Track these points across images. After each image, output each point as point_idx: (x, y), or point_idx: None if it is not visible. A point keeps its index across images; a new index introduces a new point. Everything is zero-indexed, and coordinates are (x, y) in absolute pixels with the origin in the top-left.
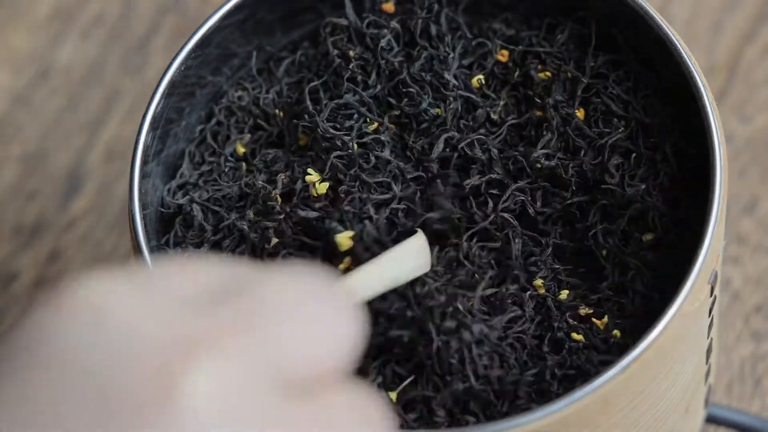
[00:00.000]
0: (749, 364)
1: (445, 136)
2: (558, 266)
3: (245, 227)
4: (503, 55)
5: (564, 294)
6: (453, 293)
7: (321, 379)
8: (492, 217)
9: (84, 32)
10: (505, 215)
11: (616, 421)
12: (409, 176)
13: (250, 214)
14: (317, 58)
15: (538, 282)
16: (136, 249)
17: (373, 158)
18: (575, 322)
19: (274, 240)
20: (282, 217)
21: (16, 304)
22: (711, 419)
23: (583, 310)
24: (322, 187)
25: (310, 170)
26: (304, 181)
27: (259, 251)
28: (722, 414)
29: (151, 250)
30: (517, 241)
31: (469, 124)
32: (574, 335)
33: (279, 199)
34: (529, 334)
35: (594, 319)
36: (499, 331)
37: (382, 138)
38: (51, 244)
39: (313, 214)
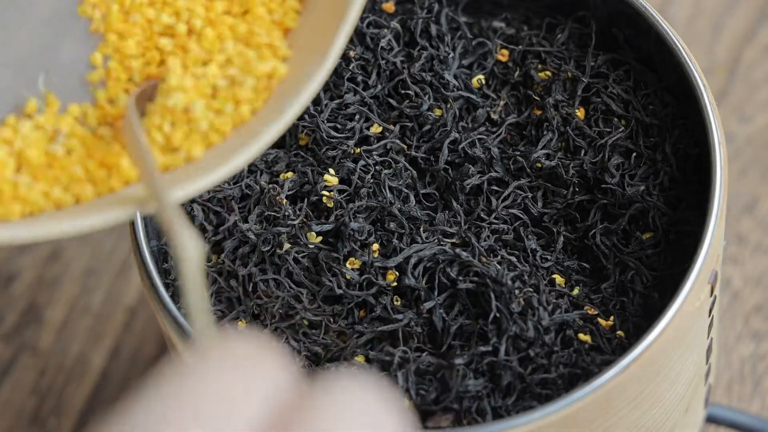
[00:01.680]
0: (749, 364)
1: (448, 141)
2: (569, 263)
3: (252, 234)
4: (503, 55)
5: (576, 291)
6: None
7: None
8: (496, 212)
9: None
10: (514, 211)
11: (617, 420)
12: (422, 191)
13: (255, 216)
14: None
15: (559, 278)
16: (136, 249)
17: (391, 163)
18: (583, 322)
19: (287, 245)
20: (296, 222)
21: (16, 304)
22: (711, 419)
23: (590, 310)
24: (332, 180)
25: (330, 171)
26: (312, 183)
27: (267, 255)
28: (722, 414)
29: (151, 250)
30: (530, 237)
31: (468, 126)
32: (581, 336)
33: (286, 202)
34: (552, 329)
35: (600, 320)
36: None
37: (390, 144)
38: (51, 244)
39: (327, 227)
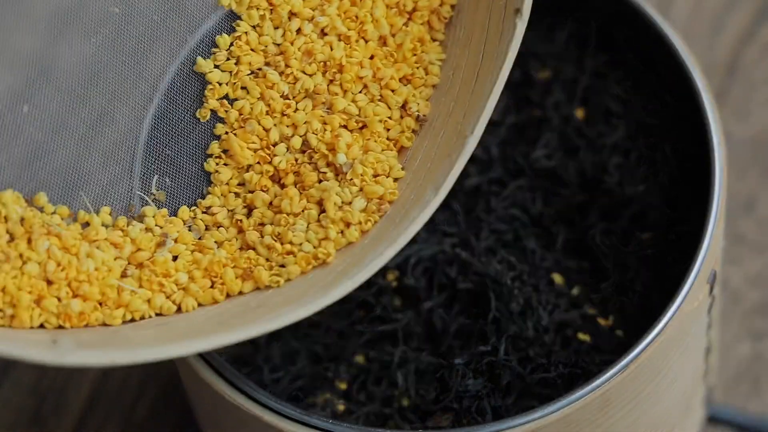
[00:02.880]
0: (748, 364)
1: None
2: (569, 263)
3: None
4: None
5: (575, 290)
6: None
7: None
8: (496, 212)
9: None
10: (513, 210)
11: (617, 420)
12: None
13: None
14: None
15: (558, 277)
16: None
17: None
18: (582, 322)
19: None
20: None
21: None
22: (711, 419)
23: (590, 310)
24: None
25: None
26: None
27: None
28: (722, 414)
29: None
30: (529, 237)
31: None
32: (581, 335)
33: None
34: (551, 329)
35: (600, 319)
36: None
37: None
38: None
39: None
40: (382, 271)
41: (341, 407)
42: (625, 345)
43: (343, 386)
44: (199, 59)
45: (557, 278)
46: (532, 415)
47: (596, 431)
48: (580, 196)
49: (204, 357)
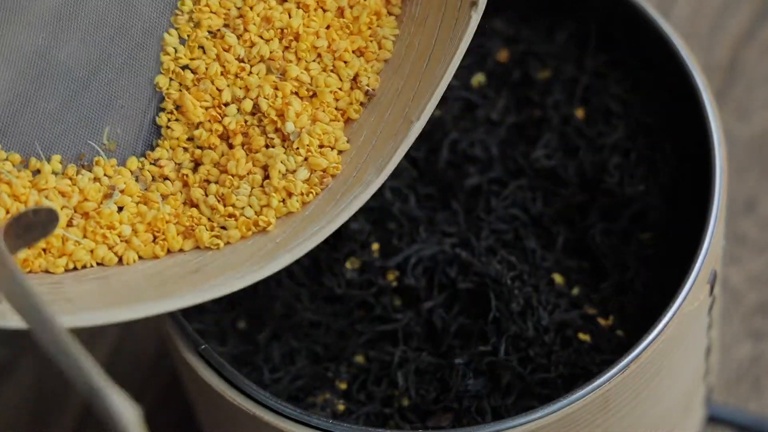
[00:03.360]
0: (748, 364)
1: (447, 141)
2: (569, 263)
3: None
4: (503, 55)
5: (575, 290)
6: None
7: None
8: (496, 212)
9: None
10: (513, 210)
11: (617, 420)
12: (422, 191)
13: None
14: None
15: (558, 277)
16: None
17: None
18: (582, 322)
19: None
20: None
21: None
22: (711, 419)
23: (590, 310)
24: None
25: None
26: None
27: None
28: (722, 413)
29: None
30: (529, 237)
31: (468, 126)
32: (581, 335)
33: None
34: (552, 330)
35: (600, 319)
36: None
37: None
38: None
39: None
40: (382, 271)
41: (341, 407)
42: (625, 345)
43: (343, 386)
44: (166, 36)
45: (557, 278)
46: (532, 415)
47: (596, 431)
48: (580, 196)
49: (204, 357)
